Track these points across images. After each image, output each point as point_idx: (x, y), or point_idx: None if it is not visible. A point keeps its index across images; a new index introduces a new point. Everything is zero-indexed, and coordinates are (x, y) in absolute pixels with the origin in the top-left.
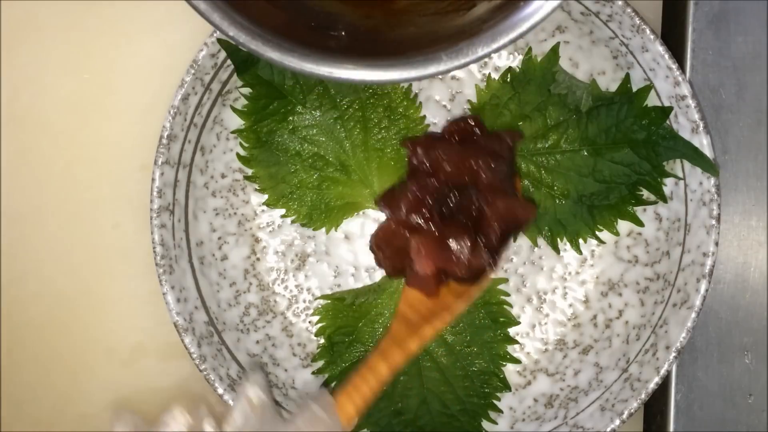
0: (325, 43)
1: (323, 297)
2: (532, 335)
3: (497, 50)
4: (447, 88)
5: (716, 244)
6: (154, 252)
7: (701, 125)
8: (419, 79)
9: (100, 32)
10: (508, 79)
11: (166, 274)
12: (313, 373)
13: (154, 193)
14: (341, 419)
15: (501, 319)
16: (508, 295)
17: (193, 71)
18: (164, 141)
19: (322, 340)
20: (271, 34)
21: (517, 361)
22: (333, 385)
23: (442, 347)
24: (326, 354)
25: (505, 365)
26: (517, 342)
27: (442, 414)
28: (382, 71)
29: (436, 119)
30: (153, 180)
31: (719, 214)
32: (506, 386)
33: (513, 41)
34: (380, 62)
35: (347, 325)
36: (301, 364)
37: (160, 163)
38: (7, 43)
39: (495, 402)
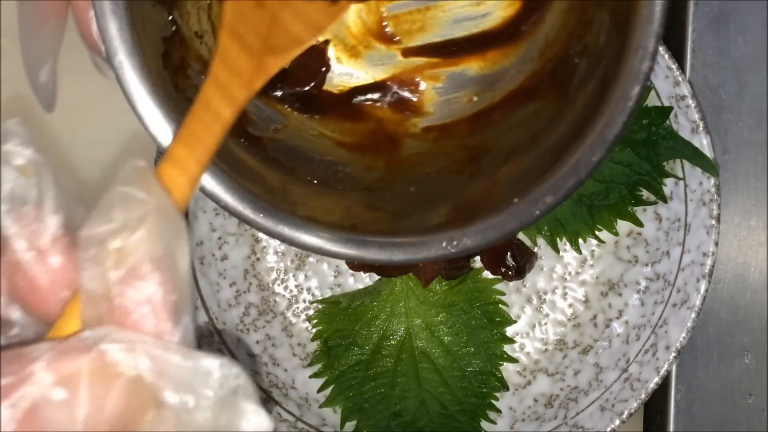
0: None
1: (319, 301)
2: (532, 335)
3: (488, 244)
4: None
5: (716, 244)
6: None
7: (701, 125)
8: (407, 262)
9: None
10: None
11: None
12: (311, 376)
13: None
14: (171, 193)
15: (497, 319)
16: (503, 294)
17: None
18: None
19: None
20: (262, 197)
21: (514, 360)
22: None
23: (439, 348)
24: (323, 357)
25: (502, 365)
26: (513, 341)
27: (440, 415)
28: (369, 251)
29: None
30: None
31: (719, 214)
32: (504, 386)
33: (504, 237)
34: (369, 240)
35: (343, 329)
36: (301, 364)
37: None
38: (7, 43)
39: (493, 402)
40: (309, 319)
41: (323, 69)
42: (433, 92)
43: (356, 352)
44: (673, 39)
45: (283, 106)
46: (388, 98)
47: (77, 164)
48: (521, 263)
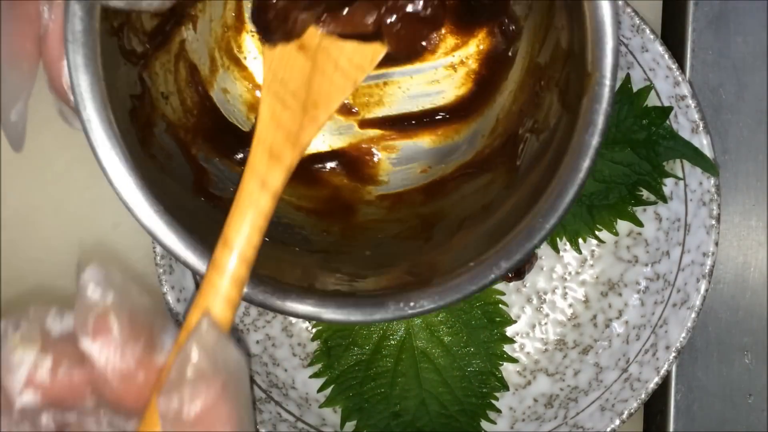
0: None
1: None
2: (532, 335)
3: (445, 306)
4: None
5: (716, 244)
6: (154, 252)
7: (701, 125)
8: (364, 323)
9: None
10: None
11: (166, 274)
12: (311, 376)
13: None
14: (218, 326)
15: (497, 319)
16: (503, 294)
17: None
18: None
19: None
20: None
21: (514, 360)
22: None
23: (439, 348)
24: (323, 357)
25: (502, 365)
26: (513, 341)
27: (440, 415)
28: (327, 311)
29: None
30: None
31: (719, 214)
32: (504, 386)
33: (462, 299)
34: (327, 300)
35: (343, 329)
36: (301, 364)
37: None
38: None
39: (493, 402)
40: None
41: None
42: (388, 162)
43: (356, 352)
44: (673, 39)
45: (242, 169)
46: (344, 167)
47: (77, 164)
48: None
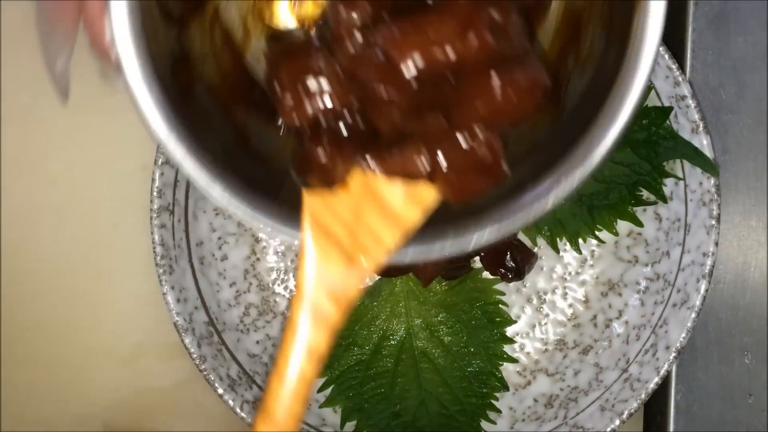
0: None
1: None
2: (532, 335)
3: (504, 236)
4: None
5: (716, 244)
6: (154, 252)
7: (701, 125)
8: (423, 260)
9: None
10: None
11: (166, 274)
12: None
13: (154, 193)
14: None
15: (497, 319)
16: (503, 294)
17: None
18: None
19: None
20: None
21: (514, 360)
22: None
23: (439, 348)
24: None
25: (502, 365)
26: (513, 341)
27: (440, 415)
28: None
29: None
30: (153, 180)
31: (719, 214)
32: (504, 386)
33: (524, 225)
34: None
35: (343, 329)
36: None
37: (160, 163)
38: (7, 43)
39: (493, 402)
40: None
41: None
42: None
43: (356, 353)
44: (673, 39)
45: (280, 131)
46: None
47: (77, 164)
48: (520, 264)
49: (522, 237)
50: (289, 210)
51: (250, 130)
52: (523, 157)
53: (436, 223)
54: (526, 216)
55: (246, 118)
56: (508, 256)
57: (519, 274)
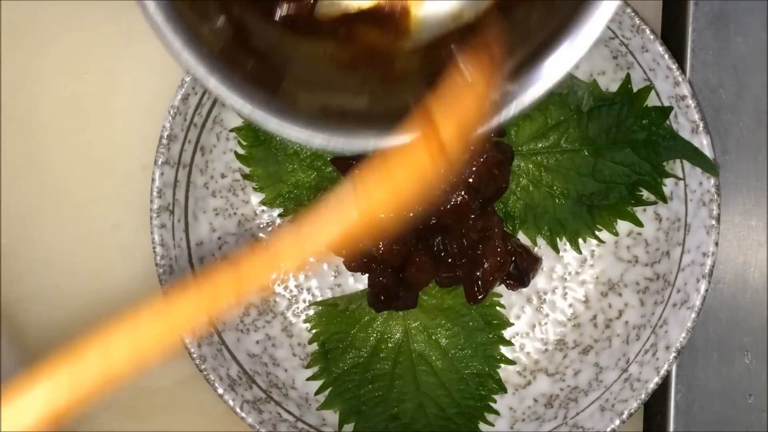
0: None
1: (316, 304)
2: (532, 335)
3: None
4: None
5: (716, 244)
6: (154, 252)
7: (701, 125)
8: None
9: (100, 32)
10: None
11: (166, 274)
12: (308, 379)
13: (154, 193)
14: None
15: (494, 322)
16: (500, 296)
17: None
18: (164, 141)
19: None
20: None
21: (512, 362)
22: None
23: (437, 350)
24: (321, 360)
25: (500, 367)
26: (511, 344)
27: (438, 417)
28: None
29: None
30: (153, 180)
31: (719, 214)
32: (501, 388)
33: (512, 117)
34: (381, 128)
35: (341, 331)
36: (301, 365)
37: (160, 163)
38: (7, 43)
39: (491, 404)
40: (307, 321)
41: None
42: (417, 15)
43: (353, 355)
44: (673, 39)
45: (277, 27)
46: (375, 22)
47: (77, 164)
48: (524, 272)
49: (522, 238)
50: (289, 105)
51: (248, 26)
52: (517, 48)
53: None
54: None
55: (243, 13)
56: (512, 263)
57: (523, 281)
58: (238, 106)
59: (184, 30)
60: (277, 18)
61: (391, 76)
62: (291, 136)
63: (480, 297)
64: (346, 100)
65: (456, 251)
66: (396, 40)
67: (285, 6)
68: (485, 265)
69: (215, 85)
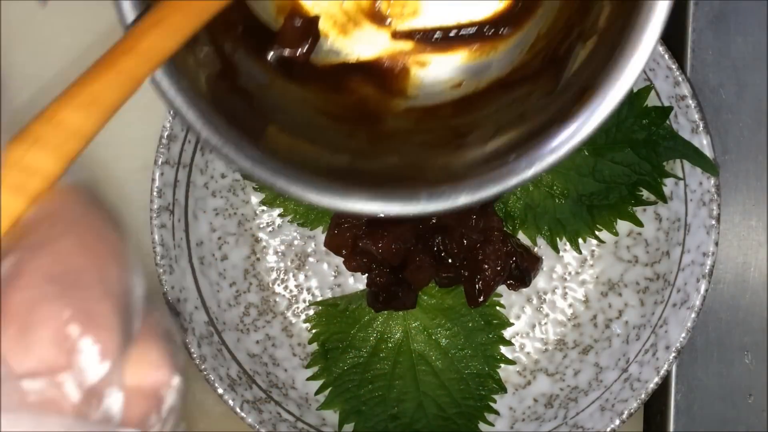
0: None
1: (316, 303)
2: (532, 335)
3: (480, 200)
4: None
5: (716, 244)
6: (154, 252)
7: (701, 125)
8: (399, 216)
9: (101, 32)
10: None
11: (166, 274)
12: (308, 379)
13: (154, 193)
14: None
15: (494, 321)
16: (500, 296)
17: None
18: (164, 141)
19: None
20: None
21: (512, 362)
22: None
23: (437, 350)
24: (321, 360)
25: (500, 367)
26: (511, 344)
27: (438, 417)
28: (360, 202)
29: None
30: (153, 180)
31: (719, 214)
32: (501, 388)
33: (499, 194)
34: (359, 191)
35: (341, 331)
36: (301, 364)
37: (160, 163)
38: (7, 43)
39: (491, 404)
40: (307, 321)
41: (312, 39)
42: (418, 77)
43: (353, 355)
44: (673, 39)
45: (269, 69)
46: (373, 78)
47: None
48: (525, 272)
49: (522, 238)
50: (264, 153)
51: (237, 64)
52: (511, 125)
53: (412, 185)
54: (504, 184)
55: (234, 50)
56: (513, 263)
57: (524, 281)
58: (213, 141)
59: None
60: (270, 58)
61: (379, 135)
62: (263, 182)
63: (481, 300)
64: (329, 153)
65: (456, 251)
66: (390, 98)
67: (281, 48)
68: (486, 270)
69: (193, 118)
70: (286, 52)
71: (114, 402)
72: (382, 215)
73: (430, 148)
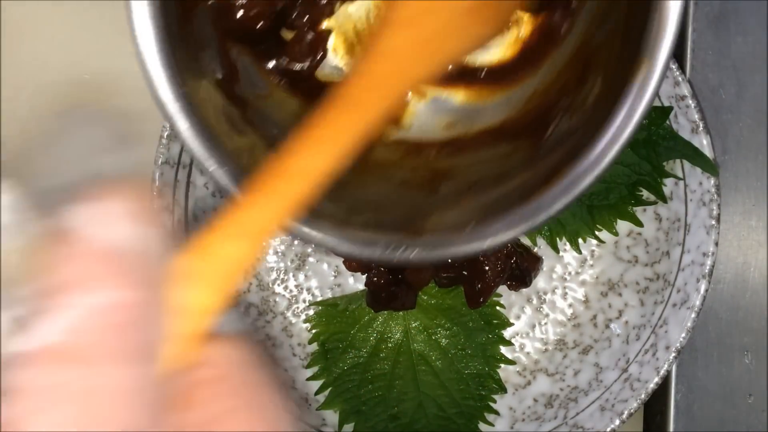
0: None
1: (316, 303)
2: (532, 335)
3: (430, 261)
4: None
5: (716, 244)
6: None
7: (701, 125)
8: (347, 256)
9: (100, 32)
10: None
11: None
12: (308, 378)
13: (154, 193)
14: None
15: (494, 321)
16: (500, 296)
17: None
18: (164, 141)
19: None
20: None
21: (512, 362)
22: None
23: (437, 350)
24: (321, 360)
25: (500, 367)
26: (511, 344)
27: (438, 417)
28: (320, 234)
29: None
30: (153, 180)
31: (719, 214)
32: (501, 388)
33: (456, 257)
34: (319, 222)
35: (341, 331)
36: (301, 364)
37: (160, 163)
38: (7, 43)
39: (491, 404)
40: (307, 321)
41: (320, 53)
42: (415, 108)
43: (353, 355)
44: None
45: (270, 77)
46: None
47: None
48: (526, 272)
49: (522, 238)
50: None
51: (239, 72)
52: (485, 186)
53: (374, 230)
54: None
55: (240, 56)
56: (513, 263)
57: (524, 281)
58: (197, 152)
59: (171, 56)
60: (273, 67)
61: (364, 164)
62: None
63: (481, 301)
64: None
65: None
66: (384, 124)
67: (289, 58)
68: (486, 271)
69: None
70: (293, 63)
71: None
72: (336, 254)
73: (407, 188)
